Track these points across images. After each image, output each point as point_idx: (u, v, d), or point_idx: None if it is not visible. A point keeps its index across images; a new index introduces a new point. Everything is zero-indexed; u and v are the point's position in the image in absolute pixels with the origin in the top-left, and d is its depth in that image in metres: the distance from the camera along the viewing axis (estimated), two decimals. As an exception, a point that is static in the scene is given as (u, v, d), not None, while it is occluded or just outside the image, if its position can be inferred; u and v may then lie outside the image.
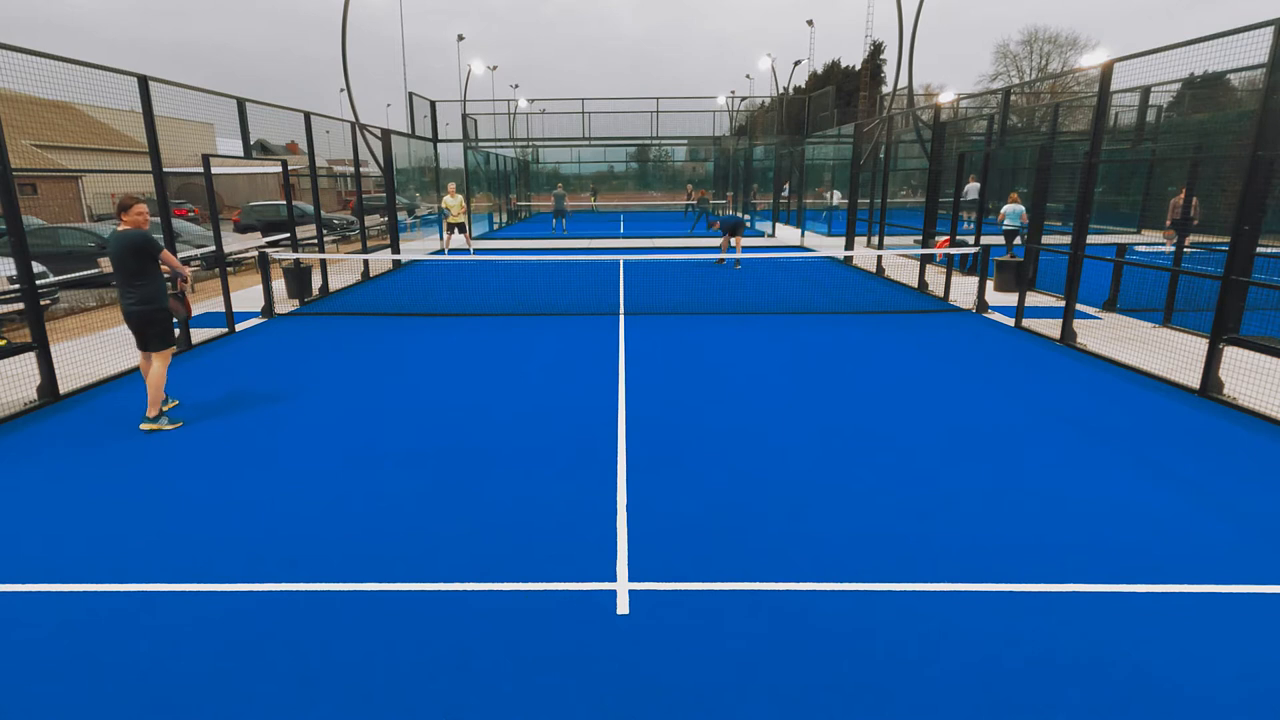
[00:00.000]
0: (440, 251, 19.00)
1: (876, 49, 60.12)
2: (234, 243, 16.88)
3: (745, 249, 17.17)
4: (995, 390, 6.79)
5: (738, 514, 4.32)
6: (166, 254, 5.69)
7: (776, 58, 42.81)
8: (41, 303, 6.79)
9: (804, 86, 54.92)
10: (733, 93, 43.86)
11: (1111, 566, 3.70)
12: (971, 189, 17.10)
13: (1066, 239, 8.64)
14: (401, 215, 20.25)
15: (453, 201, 17.94)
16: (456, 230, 18.21)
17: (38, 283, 6.54)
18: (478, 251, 19.02)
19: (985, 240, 11.07)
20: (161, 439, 5.63)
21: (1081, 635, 3.16)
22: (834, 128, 24.45)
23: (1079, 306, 8.97)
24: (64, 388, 6.76)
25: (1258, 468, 4.95)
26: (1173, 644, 3.10)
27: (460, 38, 47.53)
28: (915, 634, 3.19)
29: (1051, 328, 8.97)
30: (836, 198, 23.48)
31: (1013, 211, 14.63)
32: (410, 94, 21.80)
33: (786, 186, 26.95)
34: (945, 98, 19.55)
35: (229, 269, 11.77)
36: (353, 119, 14.51)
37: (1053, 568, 3.69)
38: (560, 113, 28.13)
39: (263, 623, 3.31)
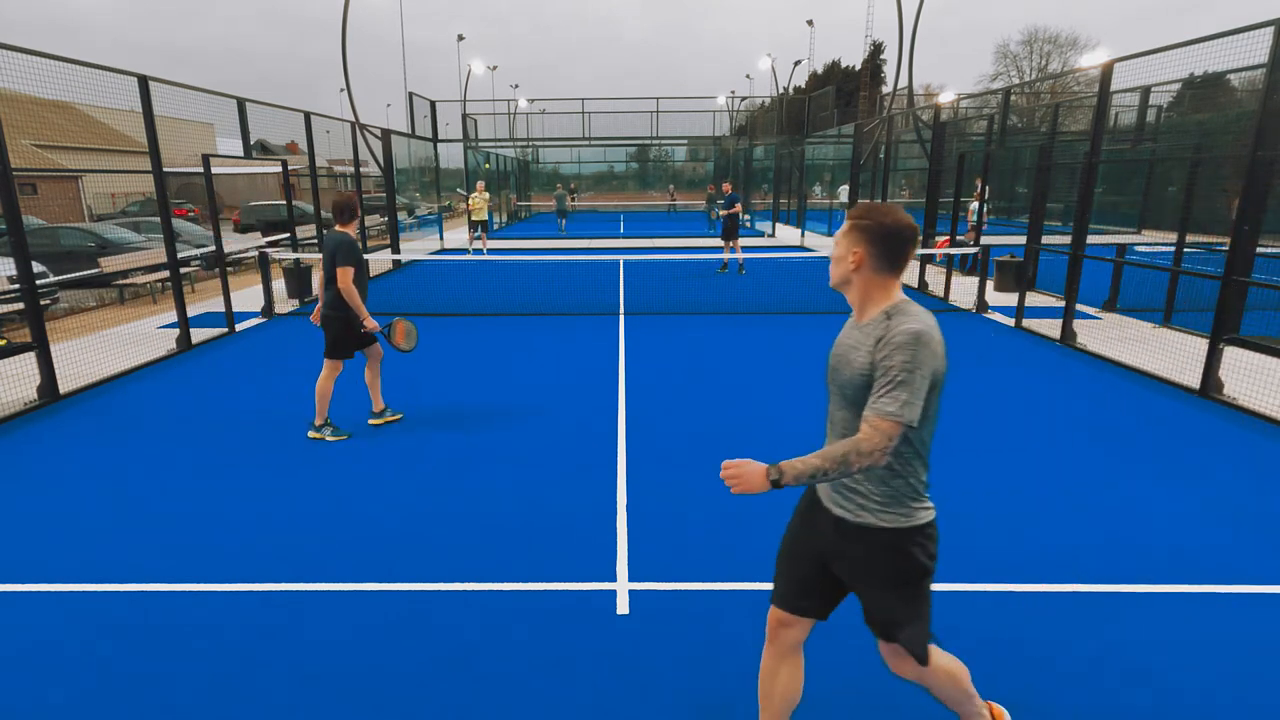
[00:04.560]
0: (479, 250, 19.70)
1: (876, 49, 60.05)
2: (235, 243, 16.87)
3: (744, 249, 16.15)
4: (995, 390, 6.79)
5: (737, 514, 4.32)
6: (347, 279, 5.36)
7: (776, 58, 42.88)
8: (41, 303, 6.80)
9: (804, 86, 54.87)
10: (733, 93, 43.90)
11: (1111, 566, 3.70)
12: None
13: (1066, 239, 8.64)
14: (401, 215, 20.41)
15: (479, 199, 19.17)
16: (480, 228, 19.26)
17: (38, 283, 6.56)
18: (475, 251, 19.23)
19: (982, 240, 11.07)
20: (158, 439, 5.63)
21: (1081, 635, 3.16)
22: (834, 128, 24.45)
23: (1079, 306, 8.96)
24: (64, 388, 6.76)
25: (1258, 468, 4.95)
26: (1173, 644, 3.10)
27: (460, 38, 47.51)
28: (915, 634, 3.18)
29: (1051, 328, 8.96)
30: (842, 194, 23.45)
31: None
32: (410, 94, 21.79)
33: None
34: (945, 98, 19.53)
35: (229, 269, 11.76)
36: (353, 119, 14.52)
37: (1052, 568, 3.69)
38: (560, 113, 28.19)
39: (264, 623, 3.31)
